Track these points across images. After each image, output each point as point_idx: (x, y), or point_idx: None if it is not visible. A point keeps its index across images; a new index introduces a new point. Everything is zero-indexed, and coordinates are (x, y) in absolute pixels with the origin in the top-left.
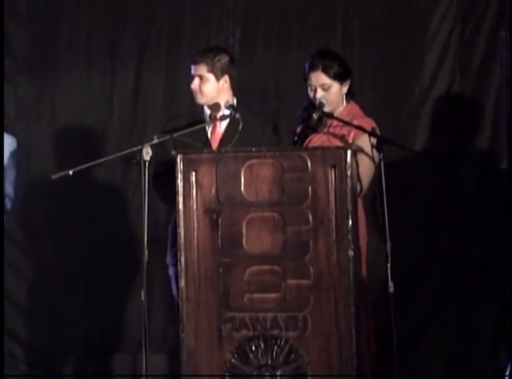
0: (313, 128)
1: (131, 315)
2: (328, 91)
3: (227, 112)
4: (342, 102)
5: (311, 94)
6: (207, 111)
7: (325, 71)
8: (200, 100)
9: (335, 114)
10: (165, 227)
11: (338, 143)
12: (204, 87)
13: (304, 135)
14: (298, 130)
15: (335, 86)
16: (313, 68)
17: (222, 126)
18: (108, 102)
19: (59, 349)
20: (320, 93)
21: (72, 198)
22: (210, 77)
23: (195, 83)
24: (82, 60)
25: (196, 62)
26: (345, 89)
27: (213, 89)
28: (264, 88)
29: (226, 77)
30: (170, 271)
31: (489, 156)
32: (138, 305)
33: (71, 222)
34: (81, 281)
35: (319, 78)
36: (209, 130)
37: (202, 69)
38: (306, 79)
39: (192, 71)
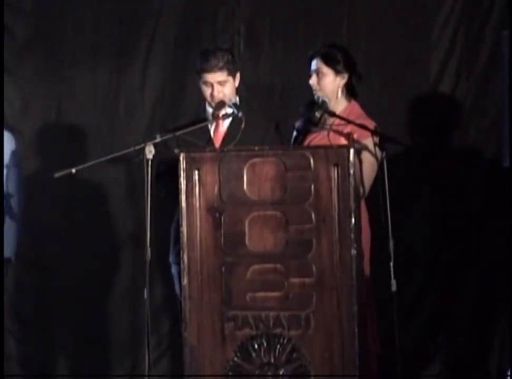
0: (315, 123)
1: (130, 314)
2: (322, 78)
3: (230, 110)
4: (337, 95)
5: (309, 81)
6: (209, 110)
7: (324, 58)
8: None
9: (337, 112)
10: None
11: (342, 140)
12: (225, 90)
13: (306, 131)
14: (298, 125)
15: (329, 75)
16: (315, 54)
17: (225, 124)
18: (114, 101)
19: (58, 349)
20: (313, 78)
21: (74, 197)
22: (230, 79)
23: (219, 90)
24: (88, 58)
25: (217, 70)
26: (341, 82)
27: (232, 89)
28: (270, 86)
29: (238, 75)
30: (173, 269)
31: (492, 154)
32: (136, 304)
33: (70, 221)
34: (80, 280)
35: (317, 63)
36: (211, 129)
37: (223, 74)
38: (309, 67)
39: (212, 79)
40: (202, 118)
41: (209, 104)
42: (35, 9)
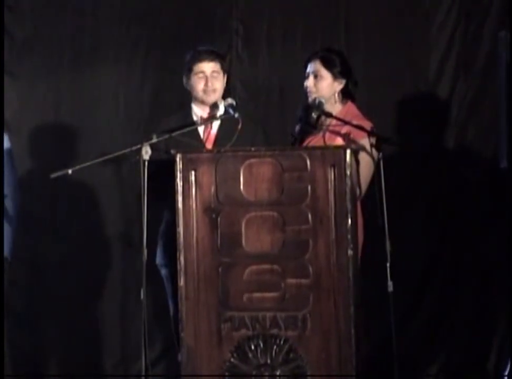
0: (313, 126)
1: (123, 314)
2: (319, 81)
3: (219, 112)
4: (334, 98)
5: (304, 83)
6: (198, 112)
7: (323, 60)
8: (214, 98)
9: (333, 114)
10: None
11: (339, 141)
12: (218, 84)
13: (303, 134)
14: (297, 129)
15: (327, 79)
16: (313, 56)
17: (214, 126)
18: (113, 101)
19: (50, 349)
20: (310, 80)
21: (72, 197)
22: (221, 74)
23: (213, 82)
24: (88, 58)
25: (211, 59)
26: (338, 87)
27: (222, 86)
28: (268, 86)
29: (226, 75)
30: (163, 272)
31: (490, 155)
32: (129, 304)
33: (64, 221)
34: (72, 280)
35: (315, 66)
36: (201, 131)
37: (217, 66)
38: (305, 69)
39: (207, 69)
40: (192, 121)
41: (198, 105)
42: (34, 10)
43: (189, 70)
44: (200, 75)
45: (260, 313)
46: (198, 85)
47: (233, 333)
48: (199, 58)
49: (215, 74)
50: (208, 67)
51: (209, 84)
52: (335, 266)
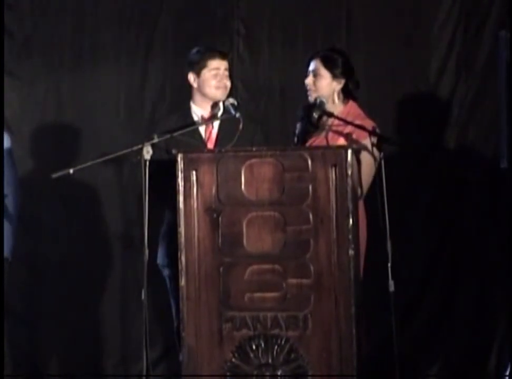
0: (315, 125)
1: (123, 314)
2: (318, 80)
3: (220, 112)
4: (333, 97)
5: (305, 81)
6: (198, 112)
7: (323, 60)
8: (224, 96)
9: (335, 114)
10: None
11: (341, 141)
12: (229, 83)
13: (305, 134)
14: (297, 129)
15: (326, 78)
16: (315, 55)
17: (216, 126)
18: (113, 101)
19: (50, 349)
20: (310, 78)
21: (73, 197)
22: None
23: (226, 79)
24: (88, 58)
25: (224, 57)
26: (337, 86)
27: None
28: (269, 86)
29: None
30: (166, 272)
31: (491, 155)
32: (129, 304)
33: (69, 221)
34: (72, 280)
35: (315, 64)
36: (202, 131)
37: (227, 65)
38: (307, 67)
39: (221, 66)
40: (193, 121)
41: (198, 104)
42: (34, 10)
43: (202, 66)
44: (214, 71)
45: (261, 313)
46: (211, 81)
47: (234, 333)
48: (214, 54)
49: (226, 72)
50: (222, 64)
51: (224, 81)
52: (336, 266)
